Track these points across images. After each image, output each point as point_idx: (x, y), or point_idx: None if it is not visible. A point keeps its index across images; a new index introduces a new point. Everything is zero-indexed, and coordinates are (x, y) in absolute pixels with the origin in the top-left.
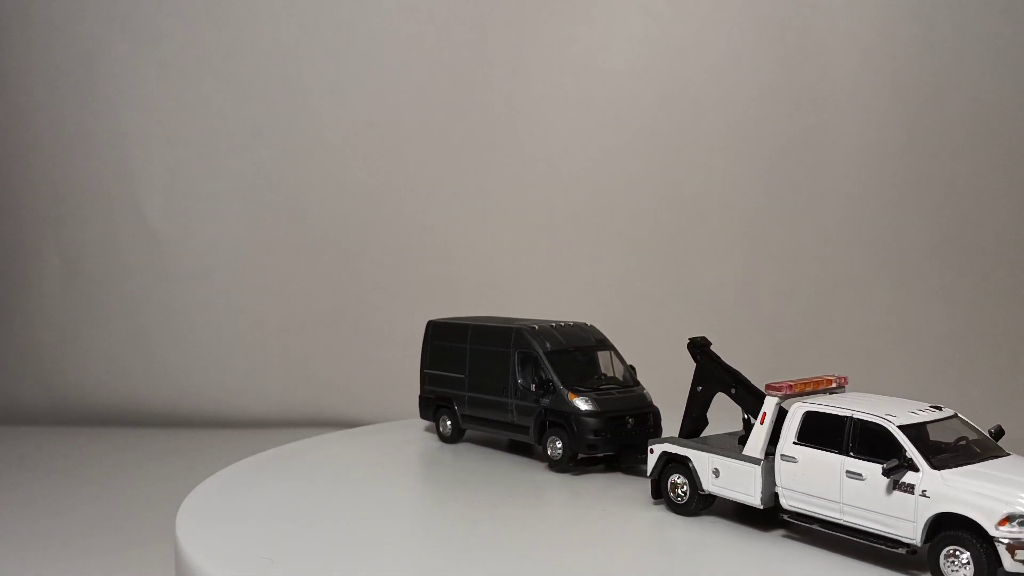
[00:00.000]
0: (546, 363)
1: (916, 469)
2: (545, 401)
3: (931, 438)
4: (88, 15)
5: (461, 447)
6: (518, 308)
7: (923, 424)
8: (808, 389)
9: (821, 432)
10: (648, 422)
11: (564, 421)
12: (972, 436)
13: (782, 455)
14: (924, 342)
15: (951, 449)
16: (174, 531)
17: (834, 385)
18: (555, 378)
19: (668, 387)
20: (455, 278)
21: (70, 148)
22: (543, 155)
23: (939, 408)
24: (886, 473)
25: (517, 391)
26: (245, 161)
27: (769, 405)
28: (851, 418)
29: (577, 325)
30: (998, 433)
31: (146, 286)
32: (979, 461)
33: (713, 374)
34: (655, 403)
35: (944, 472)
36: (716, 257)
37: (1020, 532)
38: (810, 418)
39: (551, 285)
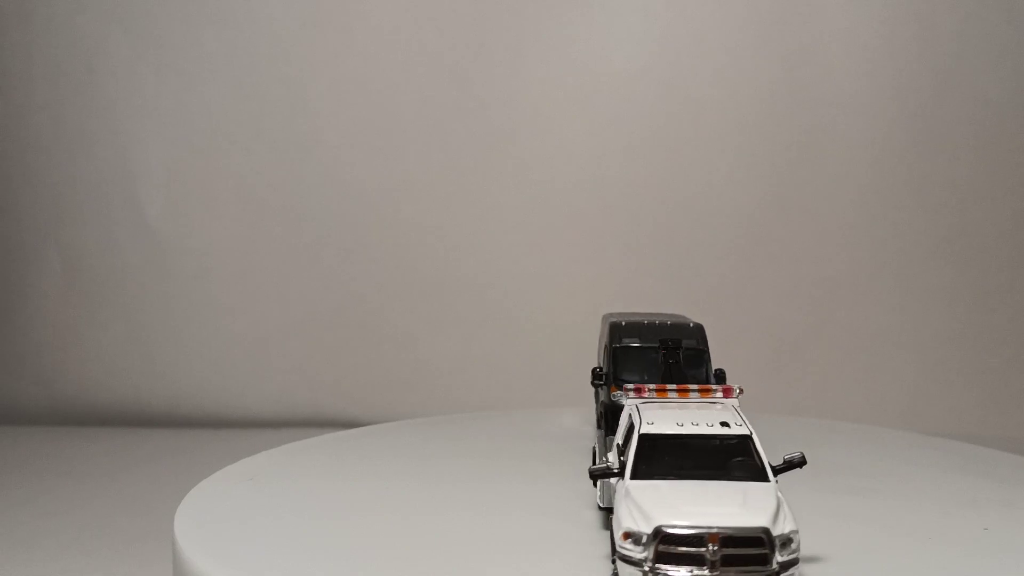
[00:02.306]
0: (610, 357)
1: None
2: (601, 395)
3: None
4: (88, 15)
5: (469, 448)
6: (518, 308)
7: (675, 435)
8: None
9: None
10: None
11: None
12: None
13: None
14: (924, 342)
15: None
16: (172, 530)
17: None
18: (610, 372)
19: None
20: (454, 278)
21: (70, 148)
22: (544, 154)
23: (727, 425)
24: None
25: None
26: (245, 161)
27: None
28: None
29: (679, 326)
30: (799, 461)
31: (146, 286)
32: (694, 479)
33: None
34: None
35: (632, 482)
36: (716, 256)
37: (633, 549)
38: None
39: (552, 284)
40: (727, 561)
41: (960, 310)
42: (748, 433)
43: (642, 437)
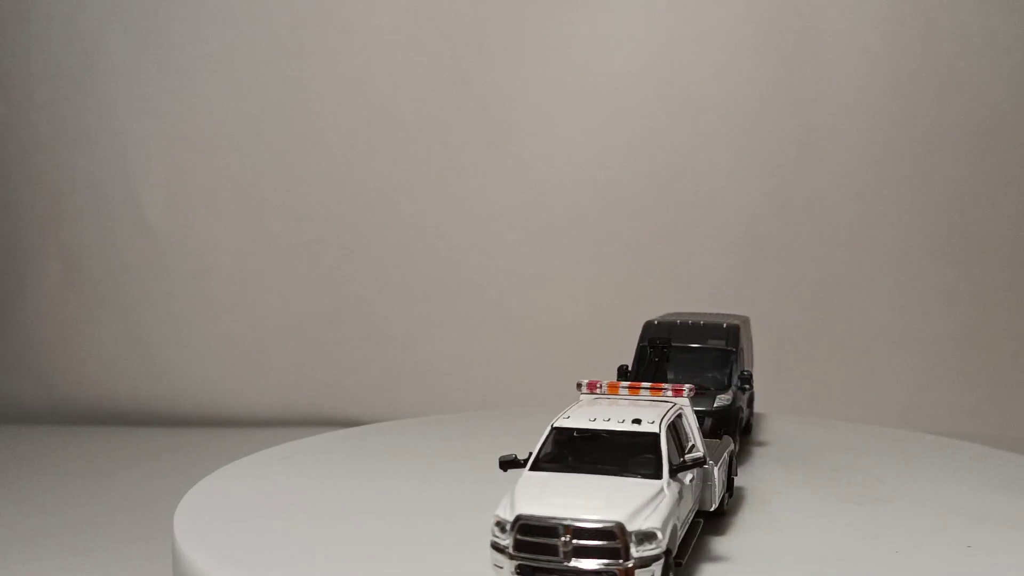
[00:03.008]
0: (637, 353)
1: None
2: None
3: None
4: (88, 14)
5: (469, 446)
6: (518, 307)
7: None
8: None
9: None
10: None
11: None
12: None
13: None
14: (923, 341)
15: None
16: (172, 528)
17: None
18: (634, 368)
19: None
20: (454, 277)
21: (70, 148)
22: (543, 153)
23: (639, 423)
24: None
25: None
26: (245, 161)
27: None
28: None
29: (711, 325)
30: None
31: (146, 285)
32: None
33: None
34: None
35: (528, 472)
36: (717, 255)
37: (500, 536)
38: None
39: (552, 283)
40: (580, 552)
41: (960, 310)
42: (656, 432)
43: (553, 430)
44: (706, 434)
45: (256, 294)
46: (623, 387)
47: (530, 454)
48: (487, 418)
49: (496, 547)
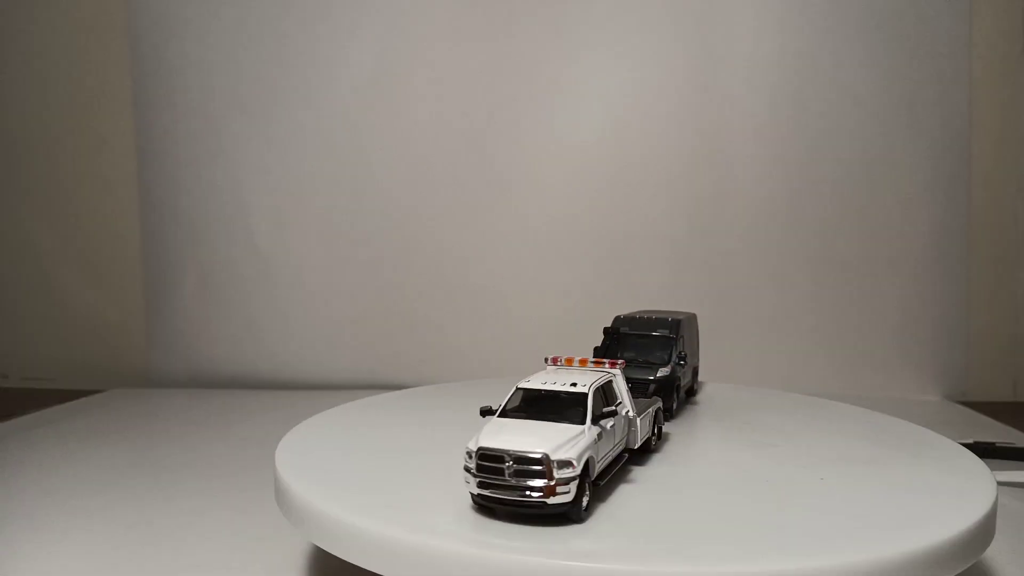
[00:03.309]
0: (605, 338)
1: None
2: None
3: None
4: (216, 101)
5: (487, 400)
6: (517, 305)
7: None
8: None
9: None
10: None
11: None
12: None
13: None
14: (804, 323)
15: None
16: (274, 461)
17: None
18: (602, 349)
19: None
20: (472, 282)
21: (204, 192)
22: (532, 195)
23: (575, 385)
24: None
25: None
26: (324, 201)
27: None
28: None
29: (660, 319)
30: (610, 413)
31: (257, 290)
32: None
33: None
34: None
35: (495, 418)
36: (658, 269)
37: (468, 462)
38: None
39: (541, 288)
40: (519, 474)
41: (828, 298)
42: (585, 392)
43: (517, 389)
44: (649, 395)
45: (332, 296)
46: (577, 360)
47: (500, 405)
48: (497, 383)
49: (466, 469)
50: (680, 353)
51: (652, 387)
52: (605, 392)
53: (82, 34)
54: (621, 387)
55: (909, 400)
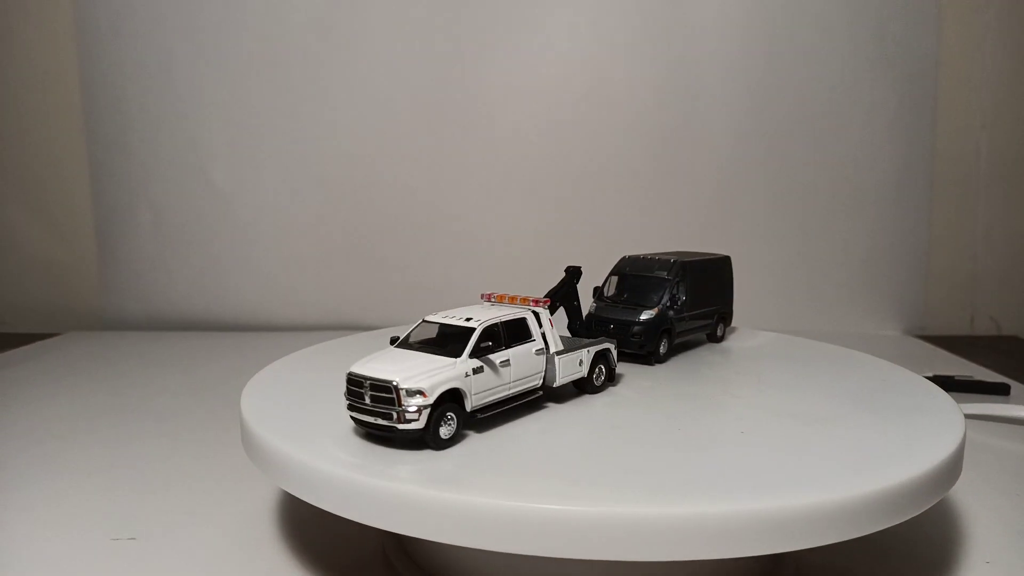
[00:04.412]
0: (605, 278)
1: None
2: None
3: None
4: (165, 29)
5: None
6: (489, 244)
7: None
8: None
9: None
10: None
11: None
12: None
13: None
14: (775, 268)
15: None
16: (239, 404)
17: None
18: (601, 288)
19: None
20: (439, 223)
21: (154, 129)
22: (503, 131)
23: (470, 320)
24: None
25: None
26: (283, 139)
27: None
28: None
29: (661, 261)
30: (492, 349)
31: (214, 228)
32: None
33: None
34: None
35: (391, 347)
36: (628, 209)
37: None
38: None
39: (509, 224)
40: (375, 400)
41: (790, 243)
42: (473, 328)
43: (421, 322)
44: (634, 336)
45: (294, 236)
46: (507, 297)
47: (403, 336)
48: None
49: (346, 391)
50: (674, 296)
51: (636, 329)
52: (513, 328)
53: None
54: (538, 325)
55: (869, 335)
